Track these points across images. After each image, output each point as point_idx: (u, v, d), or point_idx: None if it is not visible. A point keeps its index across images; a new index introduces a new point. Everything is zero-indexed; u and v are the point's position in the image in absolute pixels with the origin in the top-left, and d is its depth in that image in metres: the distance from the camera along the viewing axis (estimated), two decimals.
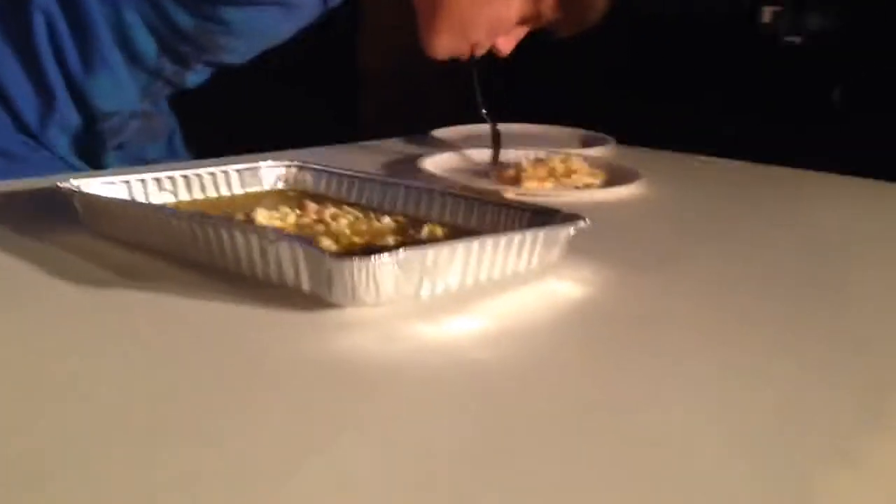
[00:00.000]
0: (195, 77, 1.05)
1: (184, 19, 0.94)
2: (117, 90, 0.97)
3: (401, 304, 0.52)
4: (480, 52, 1.03)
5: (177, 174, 0.75)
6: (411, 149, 1.15)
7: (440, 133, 1.24)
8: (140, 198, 0.71)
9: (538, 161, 0.99)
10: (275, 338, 0.48)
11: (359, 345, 0.48)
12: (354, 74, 2.72)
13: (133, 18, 0.94)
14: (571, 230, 0.61)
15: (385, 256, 0.49)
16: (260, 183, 0.80)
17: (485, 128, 1.07)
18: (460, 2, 0.98)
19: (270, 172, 0.81)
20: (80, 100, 0.96)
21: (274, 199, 0.77)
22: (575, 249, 0.63)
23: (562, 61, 2.17)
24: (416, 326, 0.50)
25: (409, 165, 0.99)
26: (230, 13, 0.94)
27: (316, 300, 0.52)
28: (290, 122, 1.71)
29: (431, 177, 0.93)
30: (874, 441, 0.40)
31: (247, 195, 0.78)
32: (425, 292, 0.53)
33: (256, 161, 0.81)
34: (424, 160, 0.99)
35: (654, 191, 0.94)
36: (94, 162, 1.01)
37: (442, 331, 0.50)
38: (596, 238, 0.64)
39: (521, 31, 1.04)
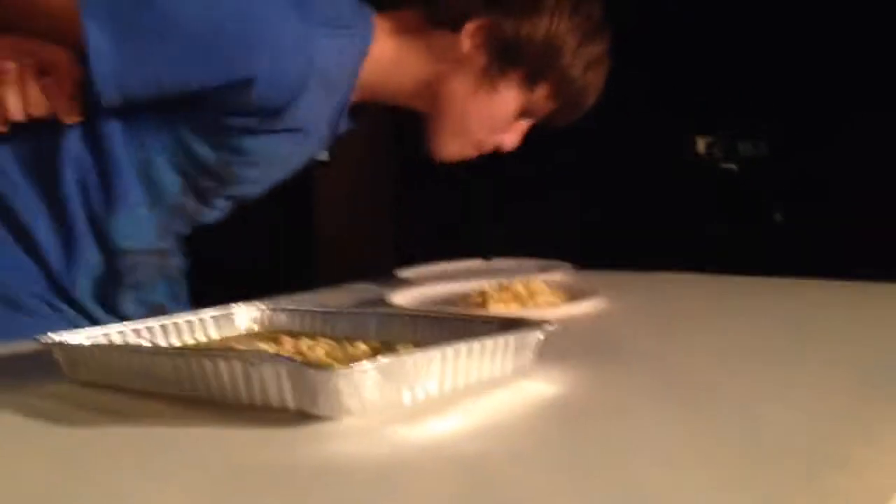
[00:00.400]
0: (211, 214, 1.08)
1: (206, 152, 0.97)
2: (138, 228, 0.99)
3: (385, 412, 0.54)
4: (485, 150, 1.10)
5: (154, 323, 0.77)
6: (377, 290, 1.18)
7: (405, 273, 1.28)
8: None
9: (502, 287, 1.02)
10: (264, 452, 0.50)
11: (347, 451, 0.49)
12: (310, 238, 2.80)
13: (158, 156, 0.97)
14: (540, 334, 0.64)
15: (366, 364, 0.52)
16: (234, 327, 0.82)
17: (449, 266, 1.12)
18: (458, 106, 1.05)
19: (244, 316, 0.83)
20: (102, 238, 0.98)
21: (250, 339, 0.79)
22: (545, 356, 0.65)
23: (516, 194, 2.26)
24: (402, 429, 0.52)
25: (377, 302, 1.02)
26: (249, 142, 0.98)
27: (302, 416, 0.53)
28: (254, 275, 1.75)
29: (403, 308, 0.96)
30: None
31: (223, 339, 0.80)
32: (407, 399, 0.55)
33: (229, 307, 0.83)
34: (392, 295, 1.02)
35: (614, 304, 0.98)
36: (111, 303, 1.01)
37: (426, 431, 0.52)
38: (563, 345, 0.67)
39: (523, 125, 1.11)
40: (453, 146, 1.09)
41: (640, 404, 0.58)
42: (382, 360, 0.52)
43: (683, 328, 0.88)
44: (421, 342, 0.71)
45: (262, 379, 0.54)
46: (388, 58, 1.03)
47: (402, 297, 1.02)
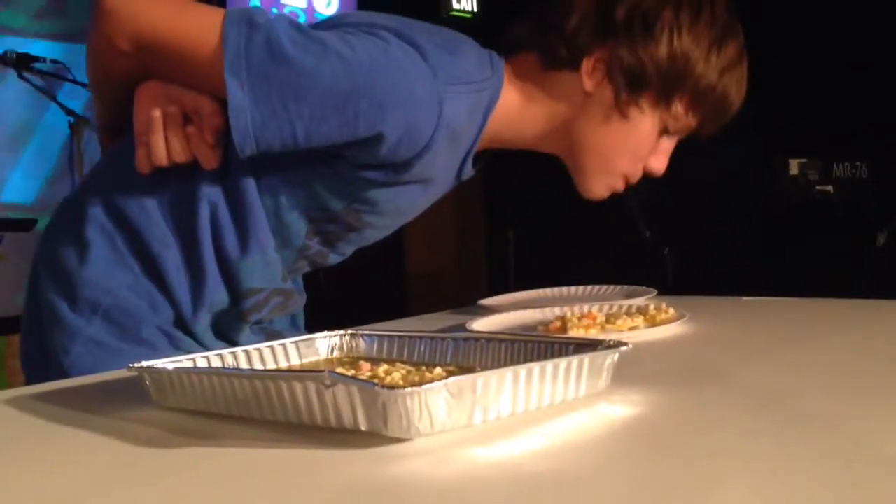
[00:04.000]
0: (335, 256, 1.12)
1: (335, 202, 1.01)
2: (266, 269, 1.03)
3: (455, 433, 0.54)
4: (634, 180, 1.08)
5: (238, 350, 0.79)
6: (459, 318, 1.18)
7: (487, 301, 1.28)
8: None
9: (583, 313, 1.01)
10: (339, 473, 0.50)
11: (418, 472, 0.49)
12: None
13: (289, 203, 1.00)
14: (616, 355, 0.63)
15: (436, 384, 0.52)
16: (316, 353, 0.84)
17: (531, 293, 1.11)
18: (593, 144, 1.04)
19: (325, 342, 0.85)
20: (230, 279, 1.01)
21: (330, 365, 0.80)
22: (624, 378, 0.64)
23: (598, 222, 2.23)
24: (472, 449, 0.52)
25: (458, 329, 1.02)
26: (377, 193, 1.01)
27: (374, 438, 0.54)
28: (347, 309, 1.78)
29: (480, 333, 0.96)
30: None
31: (303, 364, 0.82)
32: (478, 419, 0.55)
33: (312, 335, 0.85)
34: (473, 322, 1.02)
35: (699, 328, 0.96)
36: (229, 338, 1.05)
37: (497, 451, 0.52)
38: (644, 367, 0.66)
39: (668, 145, 1.08)
40: (599, 184, 1.08)
41: (722, 427, 0.57)
42: (452, 379, 0.52)
43: (771, 352, 0.85)
44: (498, 366, 0.71)
45: (336, 400, 0.55)
46: (513, 105, 1.03)
47: (481, 324, 1.02)
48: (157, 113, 0.93)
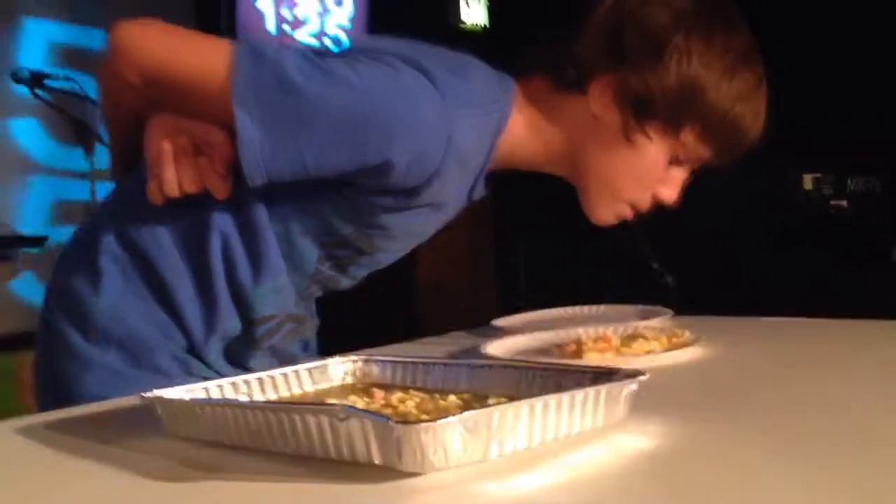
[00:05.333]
0: (347, 280, 1.11)
1: (346, 228, 1.00)
2: (278, 296, 1.03)
3: (471, 467, 0.53)
4: (642, 208, 1.06)
5: (251, 377, 0.78)
6: (473, 340, 1.17)
7: (500, 322, 1.27)
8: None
9: (598, 335, 1.00)
10: None
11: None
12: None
13: (300, 230, 1.00)
14: (633, 385, 0.62)
15: (451, 418, 0.51)
16: (329, 379, 0.83)
17: (546, 313, 1.10)
18: (600, 169, 1.03)
19: (338, 368, 0.84)
20: (242, 307, 1.01)
21: (343, 392, 0.79)
22: (642, 407, 0.63)
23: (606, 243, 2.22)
24: (487, 484, 0.51)
25: (472, 352, 1.02)
26: (388, 219, 1.00)
27: (388, 472, 0.53)
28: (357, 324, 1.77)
29: (495, 359, 0.95)
30: None
31: (317, 392, 0.81)
32: (493, 454, 0.54)
33: (324, 360, 0.84)
34: (487, 345, 1.01)
35: (717, 351, 0.95)
36: (241, 364, 1.05)
37: (514, 485, 0.51)
38: (662, 395, 0.65)
39: (679, 174, 1.05)
40: (606, 209, 1.06)
41: (746, 458, 0.56)
42: (467, 414, 0.52)
43: (793, 376, 0.84)
44: (513, 394, 0.70)
45: (349, 434, 0.55)
46: (522, 127, 1.02)
47: (495, 348, 1.01)
48: (167, 145, 0.93)
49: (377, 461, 0.54)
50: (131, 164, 1.03)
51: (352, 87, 0.90)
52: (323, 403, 0.68)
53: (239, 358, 1.04)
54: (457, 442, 0.52)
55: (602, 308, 1.36)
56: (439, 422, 0.51)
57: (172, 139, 0.94)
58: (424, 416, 0.65)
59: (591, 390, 0.60)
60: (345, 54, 0.99)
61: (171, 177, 0.94)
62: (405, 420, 0.52)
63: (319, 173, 0.93)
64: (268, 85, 0.89)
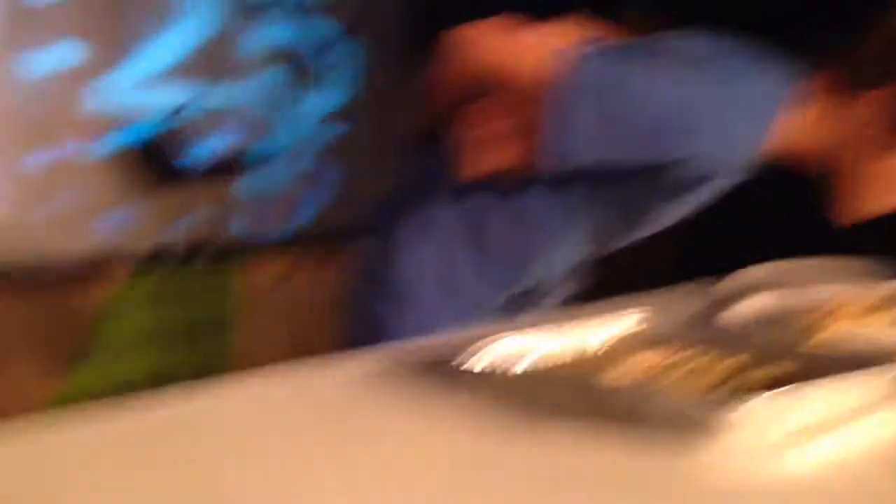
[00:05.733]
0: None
1: (612, 217, 1.11)
2: (561, 263, 1.15)
3: (766, 440, 0.59)
4: None
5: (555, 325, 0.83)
6: (718, 293, 1.16)
7: (744, 274, 1.25)
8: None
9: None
10: (655, 479, 0.56)
11: (734, 475, 0.55)
12: None
13: (587, 212, 1.10)
14: None
15: (751, 399, 0.57)
16: (618, 331, 0.85)
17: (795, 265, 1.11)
18: (866, 171, 1.05)
19: (622, 322, 0.86)
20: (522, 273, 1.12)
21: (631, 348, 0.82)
22: None
23: None
24: (777, 461, 0.57)
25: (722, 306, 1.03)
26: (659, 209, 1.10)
27: (686, 446, 0.59)
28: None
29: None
30: None
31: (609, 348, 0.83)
32: (784, 429, 0.60)
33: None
34: (737, 304, 1.02)
35: None
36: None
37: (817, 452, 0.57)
38: None
39: None
40: (868, 209, 1.08)
41: None
42: (768, 395, 0.58)
43: None
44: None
45: (648, 411, 0.62)
46: (804, 121, 1.03)
47: (746, 307, 1.02)
48: (498, 125, 1.02)
49: (673, 437, 0.59)
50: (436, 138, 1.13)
51: (663, 87, 0.97)
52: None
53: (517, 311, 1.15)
54: (756, 416, 0.58)
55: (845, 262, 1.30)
56: (742, 400, 0.57)
57: (488, 120, 1.03)
58: (711, 379, 0.69)
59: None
60: (650, 52, 1.04)
61: (496, 155, 1.03)
62: (702, 397, 0.58)
63: (620, 166, 1.00)
64: (588, 79, 0.96)
